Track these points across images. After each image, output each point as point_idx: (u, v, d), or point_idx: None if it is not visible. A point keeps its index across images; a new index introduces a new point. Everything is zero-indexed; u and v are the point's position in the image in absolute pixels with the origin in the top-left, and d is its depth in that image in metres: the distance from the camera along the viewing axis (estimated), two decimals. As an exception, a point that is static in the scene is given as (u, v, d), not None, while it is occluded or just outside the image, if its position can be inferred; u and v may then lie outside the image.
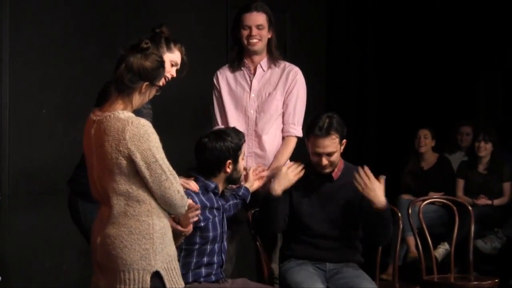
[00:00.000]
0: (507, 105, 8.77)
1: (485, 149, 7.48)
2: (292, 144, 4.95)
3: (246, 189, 4.73)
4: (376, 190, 4.55)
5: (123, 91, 3.56)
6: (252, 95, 4.95)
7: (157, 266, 3.54)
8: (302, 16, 7.75)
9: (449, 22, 8.65)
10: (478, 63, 8.64)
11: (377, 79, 8.87)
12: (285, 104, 4.96)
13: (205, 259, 4.32)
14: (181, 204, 3.62)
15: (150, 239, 3.53)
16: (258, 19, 4.88)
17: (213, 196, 4.38)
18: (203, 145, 4.35)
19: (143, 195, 3.53)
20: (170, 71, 4.34)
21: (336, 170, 4.68)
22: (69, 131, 5.75)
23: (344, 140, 4.65)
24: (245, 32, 4.90)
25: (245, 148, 4.63)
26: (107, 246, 3.53)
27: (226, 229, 4.47)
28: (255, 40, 4.89)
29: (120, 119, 3.49)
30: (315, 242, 4.67)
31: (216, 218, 4.37)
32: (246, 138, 4.78)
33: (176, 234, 3.86)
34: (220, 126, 4.95)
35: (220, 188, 4.44)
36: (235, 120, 4.93)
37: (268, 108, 4.93)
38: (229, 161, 4.36)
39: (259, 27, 4.88)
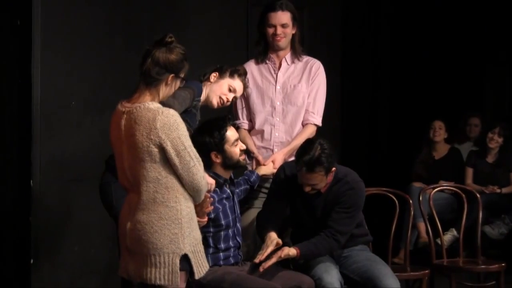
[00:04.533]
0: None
1: (497, 142, 7.57)
2: (310, 131, 5.05)
3: (258, 176, 4.85)
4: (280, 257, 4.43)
5: (150, 84, 3.71)
6: (278, 87, 5.07)
7: (185, 249, 3.68)
8: (318, 13, 7.79)
9: (459, 21, 8.69)
10: (485, 59, 8.70)
11: (390, 73, 8.88)
12: (307, 94, 5.09)
13: (222, 245, 4.43)
14: (205, 189, 3.77)
15: (178, 224, 3.67)
16: (283, 18, 5.01)
17: (220, 187, 4.46)
18: (192, 140, 4.34)
19: (171, 182, 3.67)
20: (227, 95, 4.62)
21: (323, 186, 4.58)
22: (97, 122, 5.81)
23: (333, 169, 4.50)
24: (270, 30, 5.03)
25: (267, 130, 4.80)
26: (137, 231, 3.66)
27: (238, 213, 4.57)
28: (280, 38, 5.02)
29: (150, 110, 3.63)
30: (313, 232, 4.61)
31: (227, 206, 4.48)
32: (273, 128, 4.95)
33: None
34: (243, 121, 5.11)
35: (227, 175, 4.52)
36: (261, 113, 5.06)
37: (295, 100, 5.06)
38: (213, 152, 4.44)
39: (284, 25, 5.01)
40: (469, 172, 7.66)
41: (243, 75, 4.75)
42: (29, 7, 5.53)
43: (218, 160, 4.46)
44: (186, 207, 3.72)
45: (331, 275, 4.49)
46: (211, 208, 4.11)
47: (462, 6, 8.59)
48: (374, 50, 8.74)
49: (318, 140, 4.47)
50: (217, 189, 4.44)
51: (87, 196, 5.55)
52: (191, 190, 3.73)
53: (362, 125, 8.65)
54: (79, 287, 5.85)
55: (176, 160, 3.65)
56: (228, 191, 4.53)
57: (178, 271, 3.69)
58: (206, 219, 4.10)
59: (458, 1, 8.61)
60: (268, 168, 4.93)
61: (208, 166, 4.41)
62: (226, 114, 4.68)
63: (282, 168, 4.74)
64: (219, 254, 4.44)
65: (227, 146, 4.45)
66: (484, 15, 8.57)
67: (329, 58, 5.35)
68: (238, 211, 4.59)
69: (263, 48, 5.13)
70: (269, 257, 4.41)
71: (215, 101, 4.71)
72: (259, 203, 4.95)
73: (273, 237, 4.47)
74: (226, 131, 4.47)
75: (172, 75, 3.74)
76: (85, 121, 5.90)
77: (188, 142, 3.70)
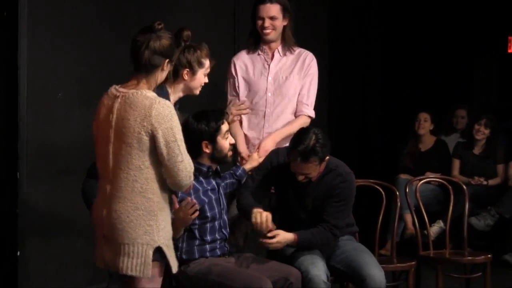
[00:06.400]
0: (500, 90, 8.90)
1: (483, 134, 7.61)
2: (303, 121, 5.04)
3: (244, 170, 4.83)
4: (281, 242, 4.48)
5: (149, 72, 3.75)
6: (270, 78, 5.08)
7: (159, 242, 3.69)
8: (306, 5, 7.80)
9: (446, 13, 8.74)
10: (472, 51, 8.77)
11: (378, 65, 8.96)
12: (300, 86, 5.10)
13: (208, 237, 4.41)
14: (187, 186, 3.80)
15: (154, 216, 3.68)
16: (271, 10, 4.99)
17: (206, 178, 4.46)
18: (184, 125, 4.34)
19: (152, 173, 3.68)
20: (205, 81, 4.53)
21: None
22: (84, 114, 5.71)
23: (327, 158, 4.49)
24: (259, 22, 5.03)
25: (264, 128, 4.83)
26: (113, 220, 3.66)
27: (225, 205, 4.55)
28: (268, 31, 5.02)
29: (147, 97, 3.66)
30: (303, 224, 4.63)
31: (213, 199, 4.46)
32: (263, 119, 4.96)
33: (176, 226, 4.00)
34: None
35: (213, 167, 4.50)
36: (251, 104, 5.07)
37: (286, 91, 5.07)
38: (205, 142, 4.42)
39: (272, 18, 5.00)
40: (456, 163, 7.71)
41: (205, 51, 4.54)
42: (15, -2, 5.52)
43: (208, 151, 4.44)
44: (163, 200, 3.74)
45: (318, 267, 4.48)
46: (195, 215, 4.11)
47: (449, -1, 8.63)
48: (362, 42, 8.78)
49: (312, 129, 4.46)
50: (202, 179, 4.44)
51: (74, 188, 5.45)
52: (172, 184, 3.75)
53: (350, 117, 8.69)
54: (67, 280, 5.85)
55: (164, 150, 3.66)
56: (214, 183, 4.52)
57: (151, 263, 3.69)
58: (189, 221, 4.13)
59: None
60: (254, 161, 4.90)
61: (195, 156, 4.38)
62: (223, 108, 4.74)
63: (275, 153, 4.72)
64: (205, 246, 4.43)
65: (219, 138, 4.44)
66: (471, 7, 8.62)
67: (318, 51, 5.33)
68: (225, 204, 4.59)
69: (255, 40, 5.13)
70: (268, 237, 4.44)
71: (197, 91, 4.60)
72: None
73: (265, 214, 4.46)
74: (223, 123, 4.46)
75: (167, 60, 3.79)
76: (73, 113, 5.89)
77: (180, 136, 3.71)
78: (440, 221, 7.08)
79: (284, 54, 5.12)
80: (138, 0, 6.30)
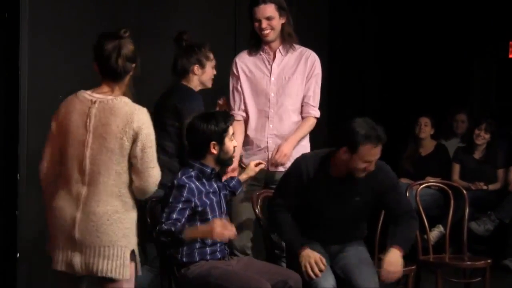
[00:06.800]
0: (500, 93, 8.90)
1: (483, 139, 7.63)
2: (311, 123, 5.11)
3: (238, 181, 4.85)
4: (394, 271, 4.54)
5: (122, 78, 3.84)
6: (272, 78, 5.08)
7: (133, 245, 3.84)
8: (305, 5, 7.82)
9: (446, 16, 8.75)
10: (472, 54, 8.77)
11: (377, 69, 8.97)
12: (306, 87, 5.10)
13: (208, 240, 4.42)
14: (150, 194, 3.88)
15: (131, 219, 3.83)
16: (266, 11, 5.00)
17: (209, 180, 4.48)
18: (190, 127, 4.46)
19: (128, 178, 3.80)
20: (213, 72, 5.09)
21: None
22: None
23: None
24: (256, 24, 5.04)
25: (267, 130, 4.93)
26: (91, 222, 3.73)
27: (225, 209, 4.57)
28: (266, 32, 5.03)
29: (127, 104, 3.78)
30: (323, 226, 4.69)
31: (214, 201, 4.48)
32: (267, 120, 4.96)
33: (202, 232, 4.22)
34: (238, 112, 5.13)
35: (216, 169, 4.52)
36: (254, 105, 5.08)
37: (289, 91, 5.08)
38: (213, 142, 4.42)
39: (268, 18, 5.00)
40: (456, 168, 7.72)
41: (208, 45, 5.07)
42: (17, 0, 5.49)
43: (215, 151, 4.45)
44: (135, 204, 3.86)
45: (328, 280, 4.50)
46: (232, 235, 4.20)
47: (449, 1, 8.59)
48: (362, 46, 8.75)
49: (361, 118, 4.51)
50: (205, 181, 4.45)
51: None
52: (139, 188, 3.81)
53: (349, 119, 8.68)
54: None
55: (139, 154, 3.75)
56: (215, 185, 4.53)
57: (128, 265, 3.76)
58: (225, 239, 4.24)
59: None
60: (250, 171, 4.91)
61: (199, 157, 4.43)
62: (229, 111, 4.90)
63: (303, 160, 4.67)
64: (205, 249, 4.45)
65: (226, 139, 4.46)
66: (470, 10, 8.62)
67: (316, 53, 5.33)
68: (225, 207, 4.60)
69: (255, 40, 5.13)
70: None
71: (210, 83, 5.13)
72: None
73: (317, 256, 4.50)
74: (231, 124, 4.49)
75: (134, 64, 3.88)
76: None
77: (154, 143, 3.81)
78: (440, 226, 7.09)
79: (286, 53, 5.11)
80: (138, 2, 6.29)
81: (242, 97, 5.13)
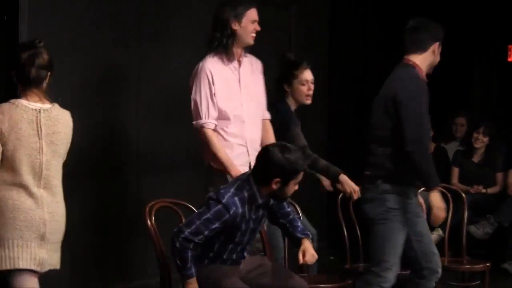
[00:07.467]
0: (500, 98, 8.91)
1: (482, 142, 7.63)
2: (270, 125, 5.18)
3: (307, 235, 4.50)
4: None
5: (40, 85, 4.05)
6: (242, 85, 5.01)
7: None
8: (305, 11, 7.80)
9: (446, 19, 8.72)
10: (472, 58, 8.78)
11: (379, 72, 8.96)
12: (260, 88, 5.14)
13: (224, 256, 4.31)
14: None
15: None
16: (256, 13, 5.02)
17: (256, 209, 4.26)
18: (265, 151, 4.25)
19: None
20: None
21: None
22: (84, 118, 5.64)
23: None
24: (251, 26, 4.99)
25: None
26: (57, 222, 4.08)
27: (252, 237, 4.40)
28: (254, 35, 5.02)
29: (62, 110, 4.14)
30: None
31: (250, 228, 4.29)
32: (243, 125, 4.92)
33: None
34: (210, 120, 4.92)
35: (268, 201, 4.32)
36: (231, 111, 4.95)
37: (255, 95, 5.06)
38: (277, 179, 4.16)
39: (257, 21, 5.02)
40: (455, 171, 7.72)
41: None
42: (15, 2, 5.51)
43: (275, 187, 4.21)
44: None
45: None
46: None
47: (450, 4, 8.63)
48: (362, 49, 8.76)
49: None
50: (253, 207, 4.26)
51: (74, 189, 5.48)
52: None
53: (350, 124, 8.68)
54: (67, 281, 5.83)
55: (64, 156, 4.16)
56: (260, 213, 4.33)
57: None
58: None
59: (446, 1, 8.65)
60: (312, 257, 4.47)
61: (259, 182, 4.22)
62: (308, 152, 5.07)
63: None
64: (216, 261, 4.34)
65: (292, 182, 4.22)
66: (470, 14, 8.62)
67: (316, 58, 5.34)
68: (253, 237, 4.42)
69: (225, 45, 4.98)
70: None
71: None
72: None
73: None
74: (305, 169, 4.33)
75: (50, 73, 4.13)
76: (72, 117, 5.78)
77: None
78: (439, 229, 7.06)
79: (243, 57, 5.07)
80: (138, 5, 6.29)
81: (216, 105, 4.94)
